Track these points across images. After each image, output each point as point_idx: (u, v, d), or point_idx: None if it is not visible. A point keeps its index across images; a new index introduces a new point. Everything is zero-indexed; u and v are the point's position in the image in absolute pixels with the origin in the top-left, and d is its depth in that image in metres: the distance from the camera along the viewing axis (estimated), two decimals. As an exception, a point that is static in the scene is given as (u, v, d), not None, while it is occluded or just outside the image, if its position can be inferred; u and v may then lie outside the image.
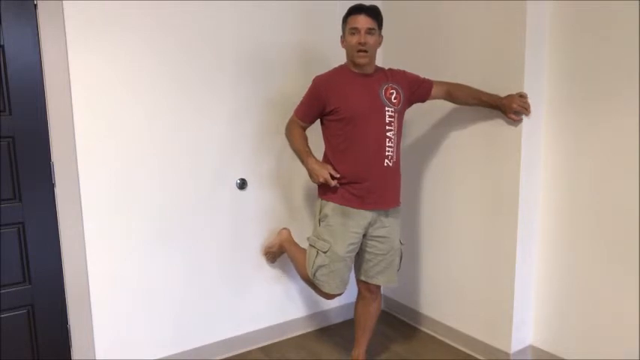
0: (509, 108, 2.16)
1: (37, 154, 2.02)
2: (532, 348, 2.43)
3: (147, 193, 2.26)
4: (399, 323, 2.94)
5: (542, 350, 2.39)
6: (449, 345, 2.66)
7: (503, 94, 2.23)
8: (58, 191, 2.07)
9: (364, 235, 2.16)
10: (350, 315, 2.85)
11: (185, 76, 2.29)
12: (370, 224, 2.14)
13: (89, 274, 2.16)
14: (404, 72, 2.23)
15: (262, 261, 2.63)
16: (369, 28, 2.01)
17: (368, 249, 2.19)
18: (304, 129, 2.23)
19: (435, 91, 2.25)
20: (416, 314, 2.89)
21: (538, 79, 2.22)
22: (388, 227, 2.17)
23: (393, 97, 2.10)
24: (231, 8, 2.37)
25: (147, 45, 2.18)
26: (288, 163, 2.60)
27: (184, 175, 2.35)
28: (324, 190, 2.16)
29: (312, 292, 2.55)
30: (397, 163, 2.16)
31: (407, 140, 2.80)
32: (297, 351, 2.61)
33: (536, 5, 2.15)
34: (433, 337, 2.75)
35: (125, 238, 2.23)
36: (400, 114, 2.15)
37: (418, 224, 2.82)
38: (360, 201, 2.09)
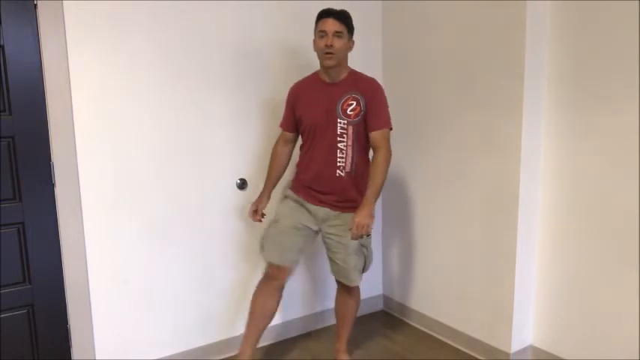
0: (352, 221, 2.08)
1: (37, 154, 2.02)
2: (532, 348, 2.43)
3: (147, 193, 2.26)
4: (399, 323, 2.94)
5: (542, 350, 2.39)
6: (449, 345, 2.66)
7: (503, 94, 2.24)
8: (58, 191, 2.07)
9: (322, 235, 2.25)
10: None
11: (186, 75, 2.30)
12: (323, 219, 2.20)
13: (89, 274, 2.16)
14: (375, 89, 2.13)
15: (262, 261, 2.63)
16: (337, 31, 2.05)
17: (326, 246, 2.26)
18: (290, 142, 2.31)
19: (372, 135, 2.10)
20: (416, 314, 2.89)
21: (538, 79, 2.22)
22: (341, 226, 2.17)
23: (349, 109, 2.10)
24: (233, 8, 2.37)
25: (147, 45, 2.18)
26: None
27: (184, 175, 2.35)
28: (292, 182, 2.31)
29: (312, 292, 2.56)
30: (356, 174, 2.15)
31: (407, 140, 2.80)
32: (297, 351, 2.61)
33: (536, 5, 2.15)
34: (433, 337, 2.75)
35: (125, 238, 2.23)
36: (357, 126, 2.10)
37: (418, 224, 2.82)
38: (315, 200, 2.20)
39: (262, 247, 2.26)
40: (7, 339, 2.05)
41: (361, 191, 2.16)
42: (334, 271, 2.28)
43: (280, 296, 2.26)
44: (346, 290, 2.33)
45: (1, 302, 2.02)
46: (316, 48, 2.11)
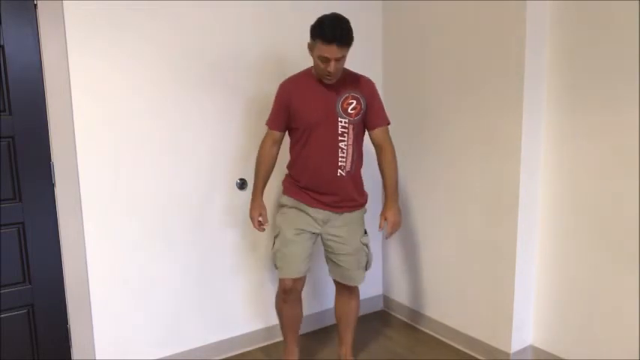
0: (383, 214, 2.19)
1: (37, 154, 2.02)
2: (532, 348, 2.43)
3: (147, 193, 2.26)
4: (399, 323, 2.94)
5: (542, 350, 2.39)
6: (449, 345, 2.66)
7: (503, 94, 2.24)
8: (58, 191, 2.07)
9: (323, 237, 2.21)
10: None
11: (186, 75, 2.30)
12: (324, 221, 2.17)
13: (89, 274, 2.16)
14: (373, 87, 2.16)
15: (262, 261, 2.63)
16: (339, 57, 1.96)
17: (328, 248, 2.23)
18: (278, 142, 2.20)
19: (375, 133, 2.16)
20: (416, 314, 2.89)
21: (538, 80, 2.22)
22: (343, 227, 2.18)
23: (350, 108, 2.08)
24: (234, 8, 2.37)
25: (147, 44, 2.18)
26: (287, 163, 2.60)
27: (184, 174, 2.35)
28: (285, 186, 2.24)
29: (312, 293, 2.56)
30: (354, 172, 2.16)
31: (407, 140, 2.80)
32: (297, 351, 2.61)
33: (536, 5, 2.15)
34: (433, 337, 2.75)
35: (125, 238, 2.23)
36: (358, 125, 2.12)
37: (418, 224, 2.82)
38: (314, 201, 2.16)
39: (276, 266, 2.22)
40: (7, 339, 2.05)
41: (359, 190, 2.20)
42: (336, 274, 2.26)
43: (301, 302, 2.33)
44: (347, 291, 2.32)
45: (1, 302, 2.02)
46: (315, 63, 2.02)
